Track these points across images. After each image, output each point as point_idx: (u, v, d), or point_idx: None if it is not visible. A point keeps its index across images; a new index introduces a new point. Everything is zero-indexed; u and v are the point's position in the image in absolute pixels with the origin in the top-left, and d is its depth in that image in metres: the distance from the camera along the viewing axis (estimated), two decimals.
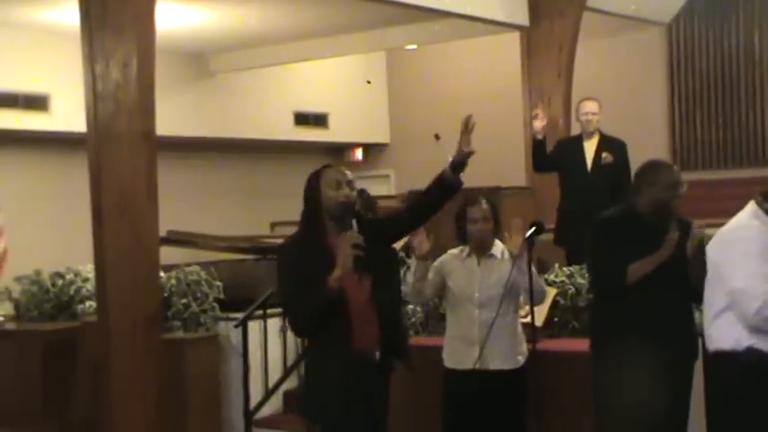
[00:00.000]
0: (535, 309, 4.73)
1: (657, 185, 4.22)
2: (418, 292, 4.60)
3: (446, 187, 3.86)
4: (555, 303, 5.34)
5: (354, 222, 3.75)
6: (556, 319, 5.34)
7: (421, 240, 4.38)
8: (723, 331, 3.71)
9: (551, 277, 5.46)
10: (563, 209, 6.89)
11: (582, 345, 4.66)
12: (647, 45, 9.87)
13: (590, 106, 6.85)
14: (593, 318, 4.64)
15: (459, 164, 3.83)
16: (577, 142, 6.93)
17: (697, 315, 4.39)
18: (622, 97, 9.43)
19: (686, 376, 4.31)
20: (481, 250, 4.57)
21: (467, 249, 4.60)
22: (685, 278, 4.14)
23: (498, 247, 4.59)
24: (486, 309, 4.48)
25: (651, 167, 4.33)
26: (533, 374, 4.50)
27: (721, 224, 3.92)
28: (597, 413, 4.36)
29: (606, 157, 6.72)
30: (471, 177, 7.10)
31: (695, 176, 9.33)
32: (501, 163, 9.03)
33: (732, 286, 3.65)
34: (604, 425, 4.30)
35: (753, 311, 3.58)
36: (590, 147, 6.82)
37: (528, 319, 4.61)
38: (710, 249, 3.81)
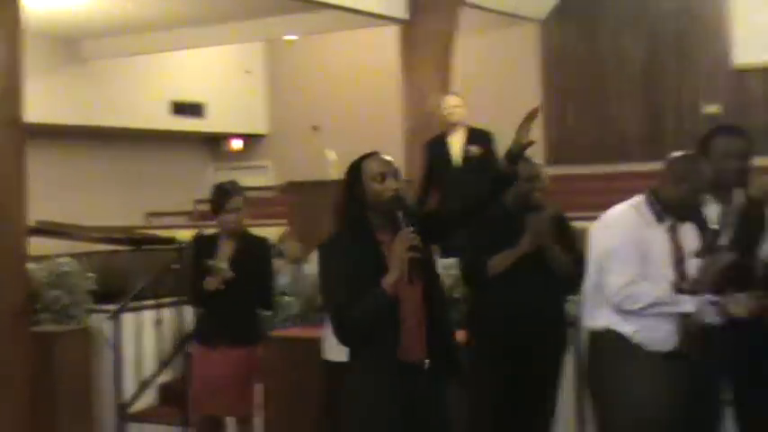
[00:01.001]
0: None
1: (517, 178, 4.36)
2: None
3: (501, 179, 3.52)
4: None
5: (402, 217, 3.33)
6: None
7: (290, 245, 4.28)
8: (592, 314, 3.84)
9: None
10: (440, 203, 6.96)
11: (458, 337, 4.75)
12: (523, 41, 10.07)
13: (451, 100, 6.94)
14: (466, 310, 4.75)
15: (517, 155, 3.49)
16: (442, 138, 7.01)
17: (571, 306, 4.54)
18: (499, 92, 9.61)
19: (548, 365, 4.46)
20: None
21: None
22: (551, 268, 4.28)
23: None
24: None
25: None
26: None
27: (593, 217, 4.03)
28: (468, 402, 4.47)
29: (473, 149, 6.80)
30: None
31: (568, 171, 9.60)
32: None
33: (602, 266, 3.77)
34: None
35: (614, 291, 3.70)
36: (456, 141, 6.89)
37: None
38: (592, 236, 3.91)
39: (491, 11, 9.38)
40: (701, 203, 3.93)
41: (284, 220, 6.83)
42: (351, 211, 3.41)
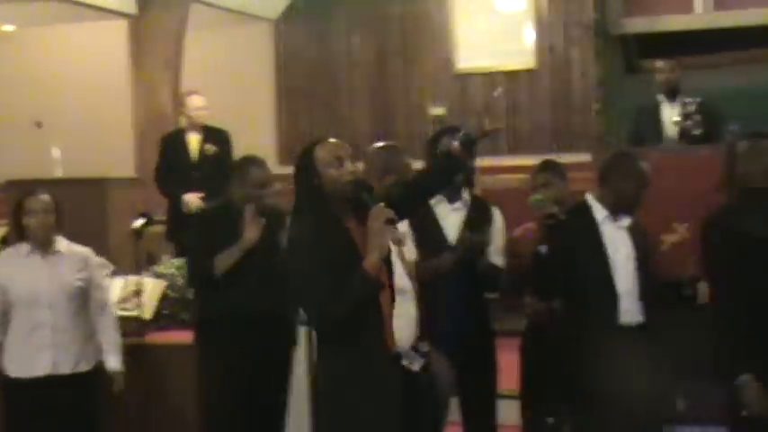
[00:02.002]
0: (144, 300, 4.68)
1: (246, 181, 4.39)
2: None
3: (450, 163, 3.35)
4: (165, 295, 5.30)
5: (368, 197, 3.17)
6: (166, 312, 5.30)
7: None
8: None
9: (161, 269, 5.42)
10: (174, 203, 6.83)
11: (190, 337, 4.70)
12: (255, 40, 10.05)
13: (197, 101, 6.87)
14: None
15: (474, 140, 3.29)
16: (180, 136, 6.91)
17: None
18: (231, 91, 9.52)
19: (277, 365, 4.54)
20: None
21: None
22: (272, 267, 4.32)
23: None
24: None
25: (240, 165, 4.51)
26: (142, 367, 4.45)
27: None
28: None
29: (209, 148, 6.77)
30: (77, 168, 6.87)
31: None
32: (108, 153, 8.77)
33: None
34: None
35: None
36: (194, 138, 6.83)
37: (135, 313, 4.54)
38: None
39: (222, 8, 9.30)
40: None
41: (5, 221, 6.44)
42: (311, 203, 3.21)
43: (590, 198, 4.01)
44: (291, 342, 4.68)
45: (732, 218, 3.80)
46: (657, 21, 9.21)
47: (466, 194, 4.36)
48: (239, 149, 6.48)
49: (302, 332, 4.73)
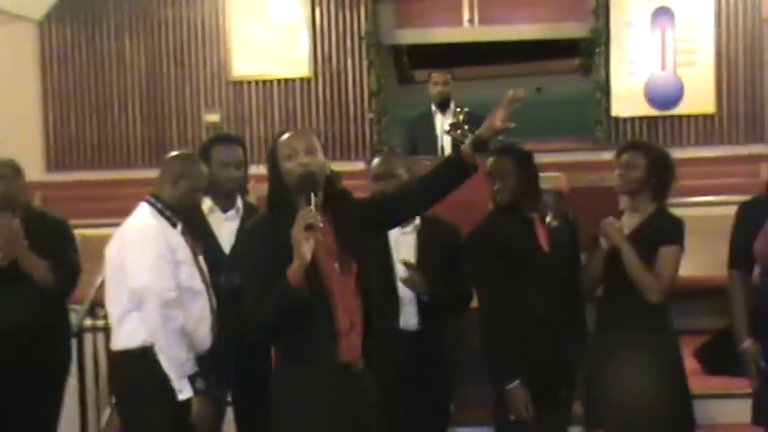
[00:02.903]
0: None
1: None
2: None
3: (462, 169, 3.16)
4: None
5: (314, 197, 2.96)
6: None
7: None
8: (130, 331, 3.70)
9: None
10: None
11: None
12: (19, 42, 9.56)
13: None
14: None
15: (486, 141, 3.17)
16: None
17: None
18: None
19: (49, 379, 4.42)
20: None
21: None
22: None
23: None
24: None
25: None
26: None
27: (113, 224, 3.93)
28: None
29: None
30: None
31: (70, 177, 9.33)
32: None
33: (136, 285, 3.65)
34: None
35: (158, 306, 3.62)
36: None
37: None
38: (110, 249, 3.78)
39: None
40: (199, 202, 4.02)
41: None
42: (272, 196, 3.09)
43: None
44: (64, 354, 4.51)
45: (493, 228, 3.98)
46: (428, 33, 9.51)
47: (239, 202, 4.32)
48: (2, 154, 6.15)
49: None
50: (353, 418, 3.04)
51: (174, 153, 3.95)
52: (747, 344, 4.03)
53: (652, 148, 4.06)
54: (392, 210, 3.29)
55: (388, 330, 3.71)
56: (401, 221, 3.56)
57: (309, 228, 2.87)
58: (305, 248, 2.85)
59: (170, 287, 3.62)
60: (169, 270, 3.63)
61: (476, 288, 4.06)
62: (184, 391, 3.61)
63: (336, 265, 3.05)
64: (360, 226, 3.11)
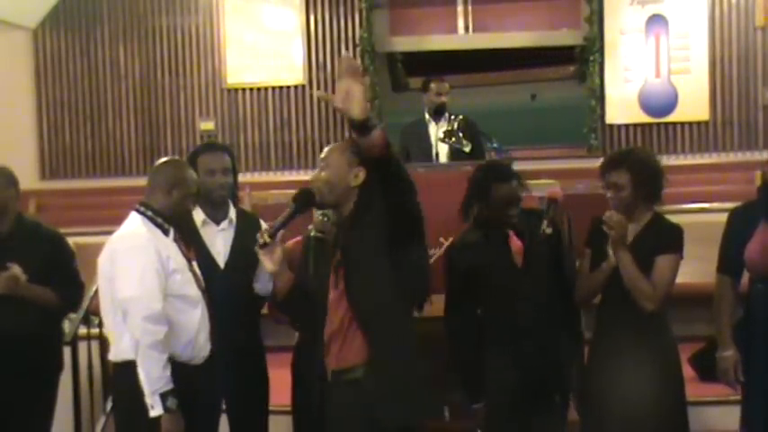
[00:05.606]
0: None
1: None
2: None
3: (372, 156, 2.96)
4: None
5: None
6: None
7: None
8: (127, 342, 3.65)
9: None
10: None
11: None
12: (13, 49, 9.56)
13: None
14: None
15: (360, 125, 2.87)
16: None
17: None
18: None
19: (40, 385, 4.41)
20: None
21: None
22: None
23: None
24: None
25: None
26: None
27: (108, 232, 3.89)
28: None
29: None
30: None
31: (63, 185, 9.33)
32: None
33: (120, 296, 3.61)
34: None
35: (141, 318, 3.57)
36: None
37: None
38: (101, 260, 3.73)
39: None
40: (190, 208, 4.00)
41: None
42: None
43: None
44: (56, 362, 4.50)
45: (468, 241, 4.08)
46: (422, 40, 9.52)
47: (232, 212, 4.30)
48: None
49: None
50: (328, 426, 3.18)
51: (164, 160, 3.91)
52: (730, 352, 4.03)
53: (633, 161, 3.99)
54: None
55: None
56: None
57: (263, 246, 3.27)
58: (266, 262, 3.29)
59: (155, 299, 3.56)
60: (157, 282, 3.57)
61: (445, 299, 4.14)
62: (156, 408, 3.54)
63: (332, 276, 3.21)
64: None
